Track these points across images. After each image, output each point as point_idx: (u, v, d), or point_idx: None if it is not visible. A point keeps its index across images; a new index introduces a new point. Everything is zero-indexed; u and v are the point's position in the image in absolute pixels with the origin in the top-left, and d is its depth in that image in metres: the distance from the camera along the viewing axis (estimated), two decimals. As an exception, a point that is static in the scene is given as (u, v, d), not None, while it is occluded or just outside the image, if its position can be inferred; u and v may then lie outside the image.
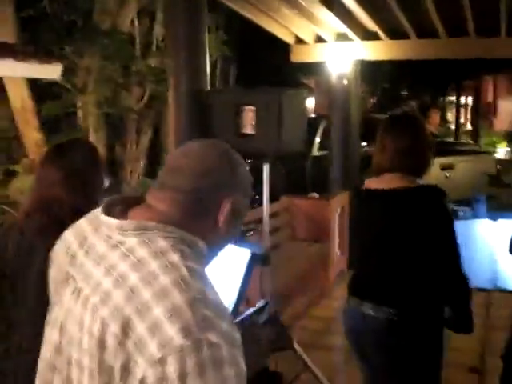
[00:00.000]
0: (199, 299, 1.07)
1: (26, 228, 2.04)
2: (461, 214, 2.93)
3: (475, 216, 2.96)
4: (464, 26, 6.51)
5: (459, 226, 2.57)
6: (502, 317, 3.63)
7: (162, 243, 1.15)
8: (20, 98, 5.92)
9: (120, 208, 1.27)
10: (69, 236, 1.30)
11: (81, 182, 2.13)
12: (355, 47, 7.24)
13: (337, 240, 7.00)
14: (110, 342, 1.07)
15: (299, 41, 7.45)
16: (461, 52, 7.24)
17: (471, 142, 17.90)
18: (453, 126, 23.24)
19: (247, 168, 1.33)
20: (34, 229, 2.01)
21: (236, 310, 2.42)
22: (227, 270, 2.52)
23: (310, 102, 21.42)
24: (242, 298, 2.43)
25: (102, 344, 1.08)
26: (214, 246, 1.31)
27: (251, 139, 3.36)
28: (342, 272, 7.18)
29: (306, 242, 6.55)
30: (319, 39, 7.35)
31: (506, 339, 2.58)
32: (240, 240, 3.31)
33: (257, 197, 8.90)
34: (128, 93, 6.49)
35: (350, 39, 7.14)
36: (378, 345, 2.51)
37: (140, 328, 1.04)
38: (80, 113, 6.55)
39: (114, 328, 1.07)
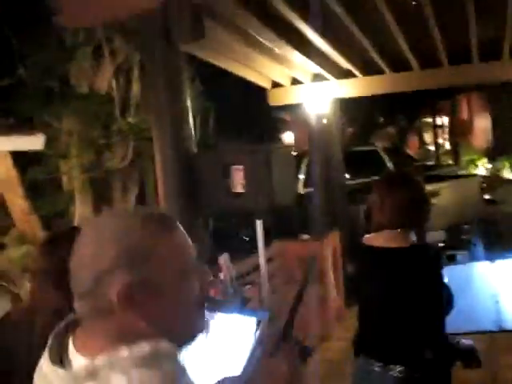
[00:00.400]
0: None
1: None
2: (459, 258, 2.95)
3: (473, 259, 2.98)
4: (436, 57, 6.64)
5: (458, 269, 2.61)
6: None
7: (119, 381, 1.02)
8: (4, 169, 5.91)
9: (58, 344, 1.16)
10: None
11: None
12: (331, 86, 7.34)
13: (332, 281, 6.99)
14: None
15: (275, 84, 7.54)
16: (434, 82, 7.37)
17: (451, 163, 18.10)
18: (432, 148, 23.50)
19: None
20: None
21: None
22: (234, 340, 2.51)
23: (289, 137, 21.56)
24: (250, 368, 2.42)
25: None
26: (168, 333, 1.11)
27: (242, 198, 3.39)
28: (339, 311, 7.16)
29: (300, 284, 6.52)
30: (295, 81, 7.44)
31: None
32: (242, 308, 3.32)
33: (246, 239, 8.89)
34: (111, 153, 6.51)
35: (326, 79, 7.24)
36: None
37: None
38: (64, 177, 6.54)
39: None
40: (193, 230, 3.63)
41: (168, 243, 1.09)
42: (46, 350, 1.16)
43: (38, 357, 1.93)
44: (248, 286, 4.73)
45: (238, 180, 3.40)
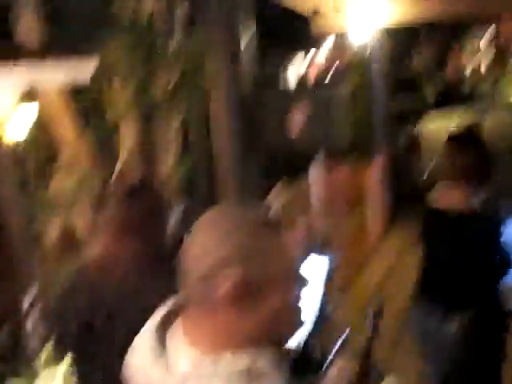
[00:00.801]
0: None
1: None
2: None
3: None
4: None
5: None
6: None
7: None
8: (54, 95, 5.97)
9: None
10: None
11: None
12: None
13: (374, 206, 7.08)
14: None
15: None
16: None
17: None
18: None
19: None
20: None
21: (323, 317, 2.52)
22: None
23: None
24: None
25: None
26: (266, 333, 1.15)
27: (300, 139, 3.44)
28: (379, 237, 7.30)
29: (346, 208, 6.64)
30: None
31: None
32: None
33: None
34: (155, 80, 6.52)
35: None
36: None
37: None
38: (108, 106, 6.59)
39: None
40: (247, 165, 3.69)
41: (278, 247, 1.15)
42: (148, 339, 1.18)
43: (118, 306, 2.03)
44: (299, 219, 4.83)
45: (298, 122, 3.43)
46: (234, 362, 1.07)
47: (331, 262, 2.57)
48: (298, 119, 3.31)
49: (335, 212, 6.42)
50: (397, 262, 6.68)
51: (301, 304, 1.21)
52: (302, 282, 1.21)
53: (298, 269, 1.21)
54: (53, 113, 6.05)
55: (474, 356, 2.60)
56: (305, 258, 2.78)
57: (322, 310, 2.48)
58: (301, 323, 1.22)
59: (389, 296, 5.64)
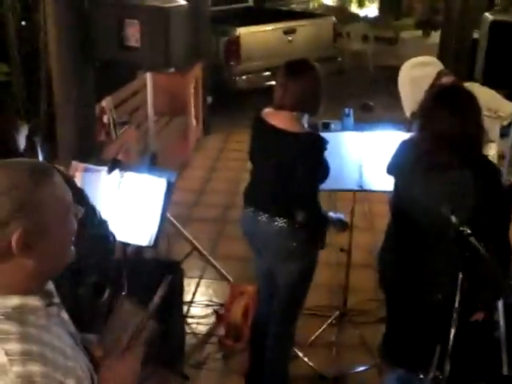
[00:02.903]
0: (19, 382, 1.18)
1: None
2: (332, 126, 3.36)
3: (344, 128, 3.40)
4: None
5: (331, 137, 3.05)
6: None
7: None
8: None
9: None
10: None
11: None
12: None
13: (193, 111, 7.30)
14: None
15: None
16: None
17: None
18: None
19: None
20: None
21: (160, 232, 2.77)
22: (144, 199, 2.81)
23: None
24: (164, 222, 2.78)
25: None
26: (52, 266, 1.32)
27: (136, 52, 3.49)
28: (198, 141, 7.60)
29: (166, 116, 6.79)
30: None
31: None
32: (150, 168, 3.57)
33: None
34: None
35: None
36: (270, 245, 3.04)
37: None
38: None
39: None
40: (82, 80, 3.70)
41: (52, 191, 1.27)
42: None
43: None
44: (126, 127, 4.91)
45: (133, 34, 3.46)
46: (4, 302, 1.24)
47: (169, 183, 2.78)
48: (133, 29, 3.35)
49: (159, 120, 6.53)
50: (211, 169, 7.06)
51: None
52: (77, 214, 1.36)
53: (72, 205, 1.34)
54: None
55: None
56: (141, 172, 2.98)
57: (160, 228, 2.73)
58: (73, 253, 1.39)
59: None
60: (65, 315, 1.43)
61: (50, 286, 1.41)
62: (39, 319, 1.29)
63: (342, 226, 3.15)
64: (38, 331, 1.27)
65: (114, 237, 2.40)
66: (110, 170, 2.84)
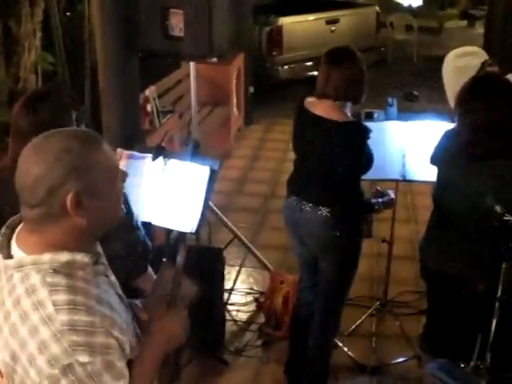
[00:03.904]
0: (64, 330, 1.25)
1: None
2: (375, 116, 3.34)
3: (388, 118, 3.37)
4: None
5: (374, 127, 3.04)
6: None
7: (34, 279, 1.31)
8: None
9: (8, 235, 1.41)
10: None
11: None
12: None
13: (235, 101, 7.33)
14: (4, 368, 1.34)
15: None
16: None
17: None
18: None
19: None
20: None
21: (203, 220, 2.80)
22: (188, 187, 2.85)
23: None
24: (206, 210, 2.82)
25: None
26: (101, 224, 1.41)
27: (181, 41, 3.52)
28: (239, 131, 7.63)
29: (208, 106, 6.84)
30: None
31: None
32: (193, 156, 3.62)
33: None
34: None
35: None
36: (313, 234, 3.04)
37: (23, 359, 1.28)
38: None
39: (5, 357, 1.32)
40: (127, 70, 3.75)
41: (102, 157, 1.36)
42: None
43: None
44: (169, 116, 4.97)
45: (177, 23, 3.49)
46: (55, 258, 1.33)
47: (212, 171, 2.82)
48: (177, 19, 3.38)
49: (201, 109, 6.58)
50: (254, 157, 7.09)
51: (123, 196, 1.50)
52: (124, 177, 1.46)
53: (120, 170, 1.44)
54: None
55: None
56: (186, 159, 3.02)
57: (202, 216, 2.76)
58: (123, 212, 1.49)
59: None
60: (112, 277, 1.51)
61: (99, 248, 1.50)
62: (87, 275, 1.37)
63: (388, 205, 3.12)
64: (86, 284, 1.35)
65: (146, 246, 2.38)
66: (155, 157, 2.89)
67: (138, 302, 1.61)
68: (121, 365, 1.33)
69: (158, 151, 2.89)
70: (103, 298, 1.37)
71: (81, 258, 1.35)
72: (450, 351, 2.81)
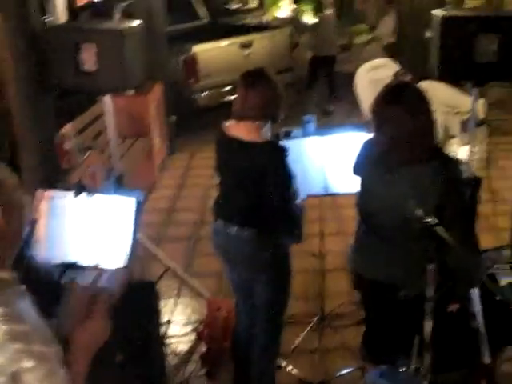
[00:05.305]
0: (5, 339, 1.32)
1: None
2: (294, 134, 3.38)
3: (306, 135, 3.42)
4: None
5: (292, 144, 3.08)
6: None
7: None
8: None
9: None
10: None
11: None
12: None
13: (156, 132, 7.29)
14: None
15: None
16: None
17: (255, 5, 18.32)
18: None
19: None
20: None
21: (133, 253, 2.75)
22: (114, 221, 2.78)
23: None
24: (136, 242, 2.76)
25: None
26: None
27: (94, 76, 3.48)
28: (164, 161, 7.58)
29: (129, 138, 6.77)
30: None
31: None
32: (117, 189, 3.55)
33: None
34: None
35: None
36: (242, 257, 3.04)
37: None
38: None
39: None
40: (42, 109, 3.68)
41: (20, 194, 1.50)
42: None
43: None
44: (89, 152, 4.88)
45: (90, 58, 3.45)
46: None
47: (138, 202, 2.77)
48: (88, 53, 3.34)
49: (123, 142, 6.50)
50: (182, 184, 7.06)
51: None
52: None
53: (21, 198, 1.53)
54: None
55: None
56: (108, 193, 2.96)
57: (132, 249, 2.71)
58: None
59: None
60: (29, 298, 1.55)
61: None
62: (14, 291, 1.44)
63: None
64: (15, 299, 1.42)
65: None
66: (77, 194, 2.82)
67: (51, 321, 1.62)
68: (62, 372, 1.39)
69: (80, 188, 2.82)
70: (31, 312, 1.43)
71: (5, 275, 1.44)
72: (391, 357, 2.85)
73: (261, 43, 9.05)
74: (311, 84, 9.69)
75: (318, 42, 9.52)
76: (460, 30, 3.32)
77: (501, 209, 4.40)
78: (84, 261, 2.83)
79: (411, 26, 8.42)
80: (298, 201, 3.10)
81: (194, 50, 8.35)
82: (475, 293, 2.94)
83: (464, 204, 2.71)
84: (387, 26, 9.86)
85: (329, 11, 9.59)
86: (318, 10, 9.90)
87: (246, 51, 8.85)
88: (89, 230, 2.82)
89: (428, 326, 2.30)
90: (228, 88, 8.29)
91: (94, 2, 8.65)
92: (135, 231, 2.75)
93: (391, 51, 9.45)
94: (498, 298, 3.03)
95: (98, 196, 2.85)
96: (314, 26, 9.62)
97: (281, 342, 3.31)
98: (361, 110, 3.80)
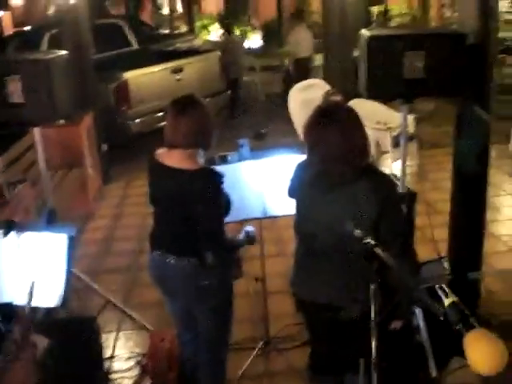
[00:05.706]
0: None
1: None
2: (229, 158, 3.36)
3: (241, 159, 3.40)
4: None
5: (228, 169, 3.06)
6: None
7: None
8: None
9: None
10: None
11: None
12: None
13: (89, 162, 7.15)
14: None
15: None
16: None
17: (185, 30, 18.43)
18: (165, 12, 23.46)
19: None
20: None
21: (68, 290, 2.65)
22: (46, 258, 2.69)
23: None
24: (70, 279, 2.67)
25: None
26: None
27: (22, 109, 3.39)
28: (98, 191, 7.43)
29: (62, 169, 6.61)
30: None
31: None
32: (48, 225, 3.44)
33: None
34: None
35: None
36: (183, 287, 2.99)
37: None
38: None
39: None
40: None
41: None
42: None
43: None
44: (20, 186, 4.73)
45: (16, 90, 3.36)
46: None
47: (70, 237, 2.68)
48: (14, 85, 3.24)
49: (55, 174, 6.35)
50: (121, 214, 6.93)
51: None
52: None
53: None
54: None
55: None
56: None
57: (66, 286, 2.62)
58: None
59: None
60: None
61: None
62: None
63: (250, 242, 3.15)
64: None
65: None
66: (6, 233, 2.71)
67: None
68: None
69: (9, 226, 2.72)
70: None
71: None
72: (337, 377, 2.84)
73: (192, 67, 9.06)
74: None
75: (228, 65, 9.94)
76: (387, 48, 3.40)
77: (436, 220, 4.48)
78: (18, 300, 2.73)
79: (339, 46, 8.59)
80: (241, 235, 3.11)
81: (125, 77, 8.27)
82: (418, 308, 2.96)
83: (401, 219, 2.74)
84: (296, 39, 10.13)
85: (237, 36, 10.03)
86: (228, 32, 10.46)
87: (178, 76, 8.84)
88: (21, 269, 2.72)
89: (373, 344, 2.29)
90: (161, 114, 8.23)
91: (22, 31, 8.53)
92: (69, 267, 2.67)
93: (302, 66, 9.75)
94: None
95: (28, 234, 2.76)
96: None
97: (227, 368, 3.26)
98: (295, 131, 3.82)
